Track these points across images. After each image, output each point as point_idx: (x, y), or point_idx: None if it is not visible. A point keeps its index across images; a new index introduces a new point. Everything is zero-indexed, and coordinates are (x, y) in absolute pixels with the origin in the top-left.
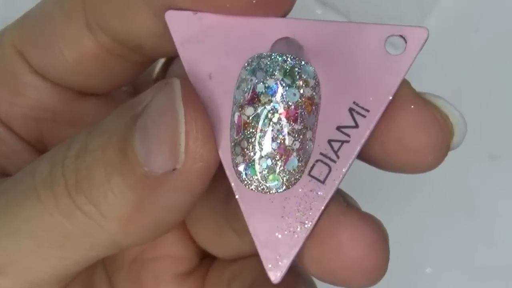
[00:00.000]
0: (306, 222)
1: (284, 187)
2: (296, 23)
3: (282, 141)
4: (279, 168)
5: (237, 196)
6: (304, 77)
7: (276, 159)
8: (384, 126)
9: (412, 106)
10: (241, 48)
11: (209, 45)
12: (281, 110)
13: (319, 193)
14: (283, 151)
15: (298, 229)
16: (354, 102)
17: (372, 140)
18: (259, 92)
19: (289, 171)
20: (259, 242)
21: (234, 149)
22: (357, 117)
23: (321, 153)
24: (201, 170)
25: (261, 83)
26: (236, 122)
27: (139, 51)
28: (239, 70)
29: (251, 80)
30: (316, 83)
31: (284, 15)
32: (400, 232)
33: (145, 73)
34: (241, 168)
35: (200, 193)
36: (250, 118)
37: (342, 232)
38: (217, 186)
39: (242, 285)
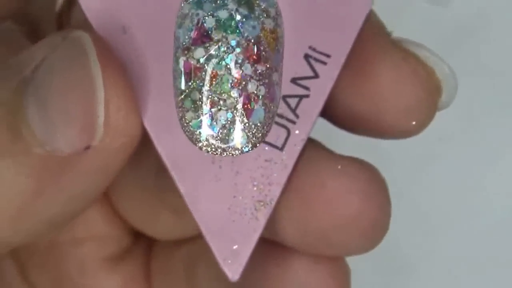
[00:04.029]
0: (266, 200)
1: (250, 145)
2: None
3: (243, 87)
4: (243, 120)
5: (173, 174)
6: (263, 6)
7: (238, 109)
8: (352, 79)
9: (386, 58)
10: None
11: None
12: (239, 48)
13: (278, 162)
14: (246, 100)
15: (256, 210)
16: (310, 47)
17: (338, 95)
18: (209, 28)
19: (256, 124)
20: (208, 231)
21: (183, 103)
22: (315, 64)
23: None
24: (123, 146)
25: (211, 17)
26: (182, 69)
27: None
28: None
29: (197, 14)
30: (278, 13)
31: None
32: None
33: (43, 4)
34: (193, 126)
35: (116, 173)
36: (201, 61)
37: (329, 182)
38: (147, 156)
39: (210, 271)
